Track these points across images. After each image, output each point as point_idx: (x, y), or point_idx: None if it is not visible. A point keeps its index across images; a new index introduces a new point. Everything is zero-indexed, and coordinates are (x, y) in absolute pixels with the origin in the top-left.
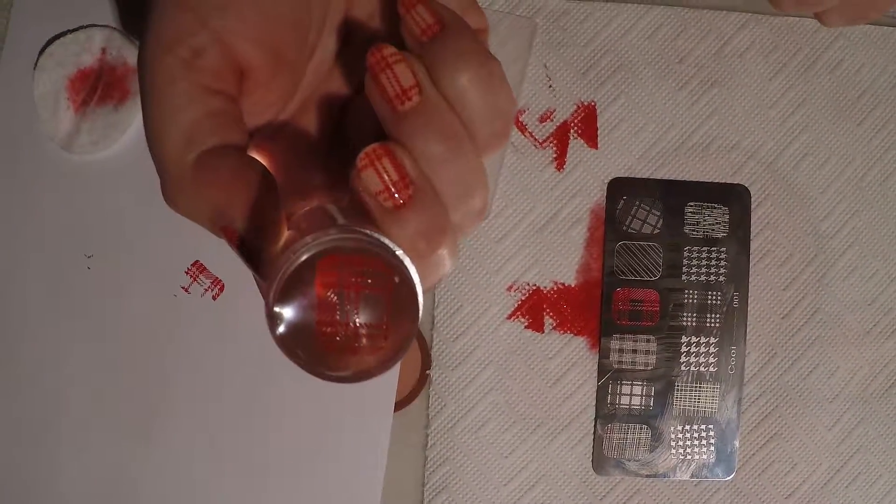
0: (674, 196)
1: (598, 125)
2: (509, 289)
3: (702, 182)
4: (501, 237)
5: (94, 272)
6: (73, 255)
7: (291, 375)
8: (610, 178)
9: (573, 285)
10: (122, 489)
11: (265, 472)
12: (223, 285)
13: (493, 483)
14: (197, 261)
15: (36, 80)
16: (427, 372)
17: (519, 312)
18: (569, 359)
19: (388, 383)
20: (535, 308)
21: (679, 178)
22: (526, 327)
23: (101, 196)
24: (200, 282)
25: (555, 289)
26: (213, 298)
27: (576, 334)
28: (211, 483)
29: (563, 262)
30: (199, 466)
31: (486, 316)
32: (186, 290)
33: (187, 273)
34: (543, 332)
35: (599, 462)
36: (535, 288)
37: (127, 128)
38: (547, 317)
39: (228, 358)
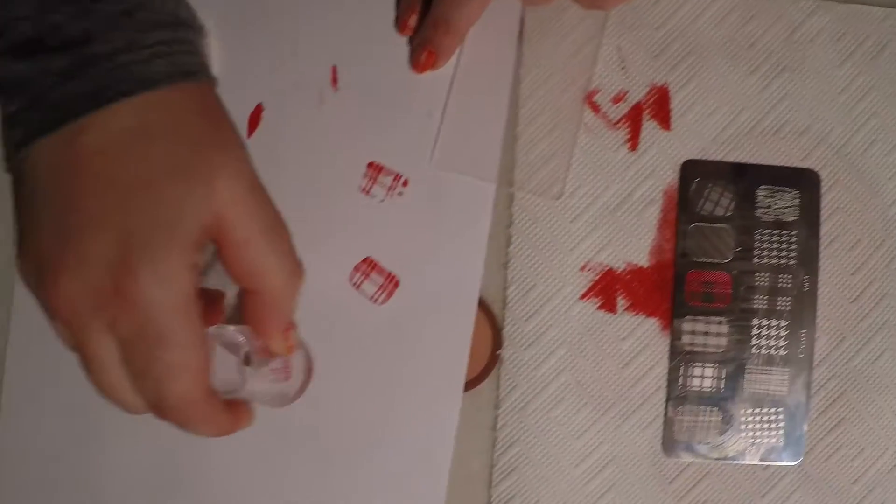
0: (745, 179)
1: (671, 107)
2: (582, 269)
3: (773, 166)
4: (575, 217)
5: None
6: None
7: (359, 354)
8: (683, 160)
9: (646, 266)
10: (180, 483)
11: (331, 452)
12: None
13: (563, 465)
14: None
15: None
16: (498, 352)
17: (592, 293)
18: (641, 340)
19: (458, 363)
20: (607, 289)
21: (750, 162)
22: (598, 308)
23: None
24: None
25: (627, 269)
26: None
27: (648, 315)
28: (275, 463)
29: (636, 243)
30: (263, 446)
31: (559, 296)
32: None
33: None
34: (616, 312)
35: (669, 444)
36: (607, 268)
37: None
38: (620, 297)
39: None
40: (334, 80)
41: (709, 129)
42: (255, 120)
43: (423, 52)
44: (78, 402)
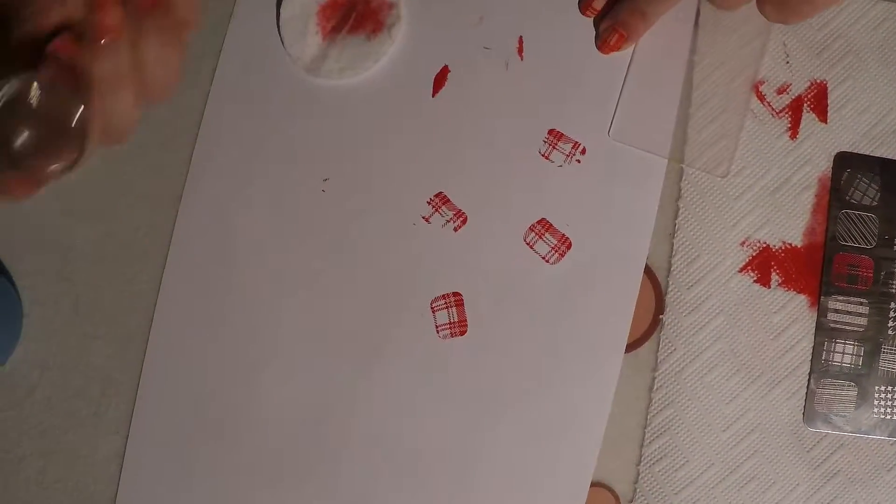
0: (891, 173)
1: (829, 102)
2: (742, 244)
3: None
4: (738, 195)
5: (328, 195)
6: (308, 177)
7: (528, 309)
8: (836, 151)
9: (799, 246)
10: (334, 418)
11: (491, 400)
12: (466, 218)
13: (713, 428)
14: (441, 192)
15: (284, 4)
16: (660, 316)
17: (749, 267)
18: (791, 315)
19: (622, 324)
20: (763, 264)
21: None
22: (754, 281)
23: (342, 121)
24: (443, 213)
25: (783, 248)
26: (455, 230)
27: (798, 292)
28: (431, 417)
29: (792, 224)
30: (419, 402)
31: (720, 268)
32: (427, 220)
33: (429, 203)
34: (770, 287)
35: (810, 415)
36: (765, 245)
37: (379, 58)
38: (774, 273)
39: (465, 290)
40: (520, 50)
41: (861, 124)
42: (440, 80)
43: (615, 35)
44: (230, 341)
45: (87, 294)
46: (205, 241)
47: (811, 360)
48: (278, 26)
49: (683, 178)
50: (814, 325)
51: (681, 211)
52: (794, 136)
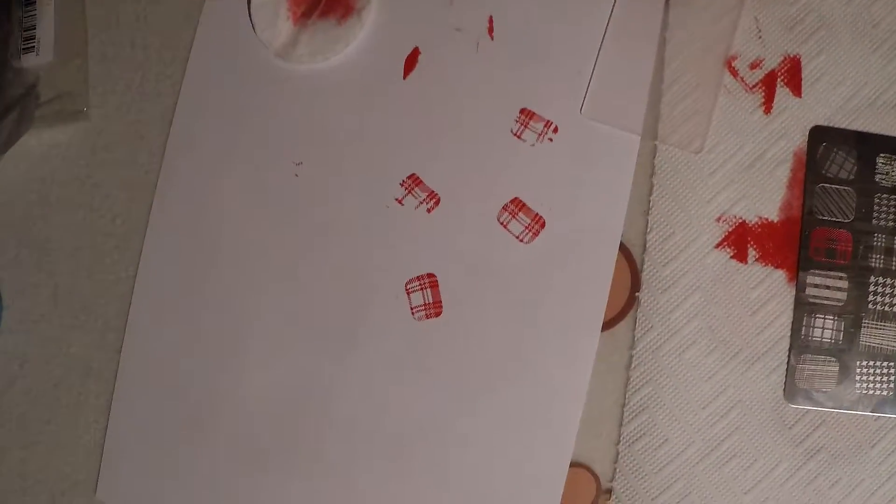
0: (867, 147)
1: (803, 76)
2: (718, 220)
3: (892, 136)
4: (713, 171)
5: (302, 179)
6: (281, 162)
7: (503, 289)
8: (811, 126)
9: (776, 221)
10: (312, 402)
11: (468, 383)
12: (439, 199)
13: (692, 406)
14: (413, 173)
15: None
16: (636, 294)
17: (725, 242)
18: (769, 290)
19: (598, 302)
20: (740, 240)
21: (872, 132)
22: (731, 257)
23: (314, 105)
24: (416, 194)
25: (759, 223)
26: (428, 212)
27: (776, 267)
28: (408, 400)
29: (768, 199)
30: (396, 385)
31: (696, 244)
32: (400, 202)
33: (402, 185)
34: (747, 262)
35: (791, 391)
36: (741, 221)
37: (350, 42)
38: (751, 248)
39: (439, 271)
40: (490, 30)
41: (836, 98)
42: (411, 62)
43: None
44: (207, 327)
45: (65, 284)
46: (180, 228)
47: (791, 336)
48: (249, 12)
49: (657, 154)
50: (793, 300)
51: (655, 187)
52: (768, 110)
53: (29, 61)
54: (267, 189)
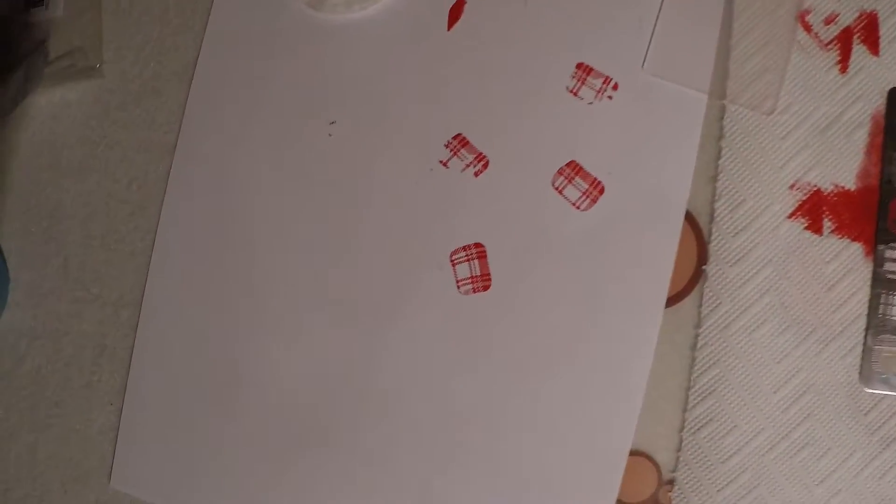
0: None
1: (880, 34)
2: (791, 187)
3: None
4: (785, 134)
5: (335, 140)
6: (313, 121)
7: (557, 261)
8: (890, 87)
9: (852, 190)
10: (348, 383)
11: (523, 362)
12: (487, 161)
13: (763, 390)
14: (459, 133)
15: None
16: (703, 267)
17: (799, 212)
18: (845, 264)
19: (661, 277)
20: (814, 209)
21: None
22: (805, 228)
23: (350, 59)
24: (462, 156)
25: (834, 191)
26: (475, 175)
27: (853, 240)
28: (453, 381)
29: (844, 166)
30: (441, 364)
31: (768, 213)
32: (445, 165)
33: (447, 146)
34: (822, 234)
35: (867, 375)
36: (816, 189)
37: None
38: (826, 219)
39: (487, 241)
40: None
41: None
42: (456, 11)
43: None
44: (232, 301)
45: (76, 255)
46: (202, 193)
47: (867, 315)
48: None
49: (725, 115)
50: (870, 275)
51: (723, 152)
52: (844, 69)
53: (38, 15)
54: (297, 151)
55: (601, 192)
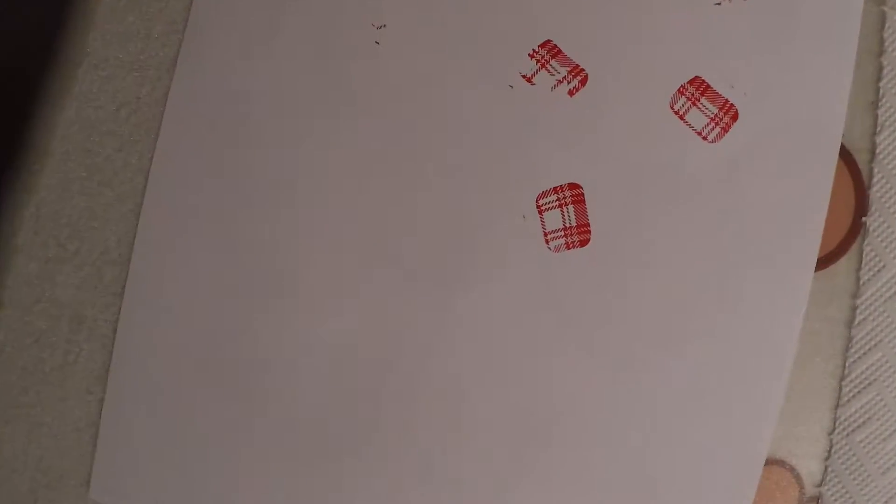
0: None
1: None
2: None
3: None
4: None
5: (384, 49)
6: (355, 25)
7: (676, 208)
8: None
9: None
10: (401, 365)
11: (623, 343)
12: (586, 76)
13: None
14: (549, 40)
15: None
16: (863, 219)
17: None
18: None
19: (809, 231)
20: None
21: None
22: None
23: None
24: (552, 69)
25: None
26: (570, 94)
27: None
28: (542, 363)
29: None
30: (526, 339)
31: None
32: (529, 81)
33: (532, 56)
34: None
35: None
36: None
37: None
38: None
39: (586, 181)
40: None
41: None
42: None
43: None
44: (246, 258)
45: (49, 203)
46: (210, 122)
47: None
48: None
49: (887, 25)
50: None
51: (885, 71)
52: None
53: None
54: (334, 65)
55: (734, 117)
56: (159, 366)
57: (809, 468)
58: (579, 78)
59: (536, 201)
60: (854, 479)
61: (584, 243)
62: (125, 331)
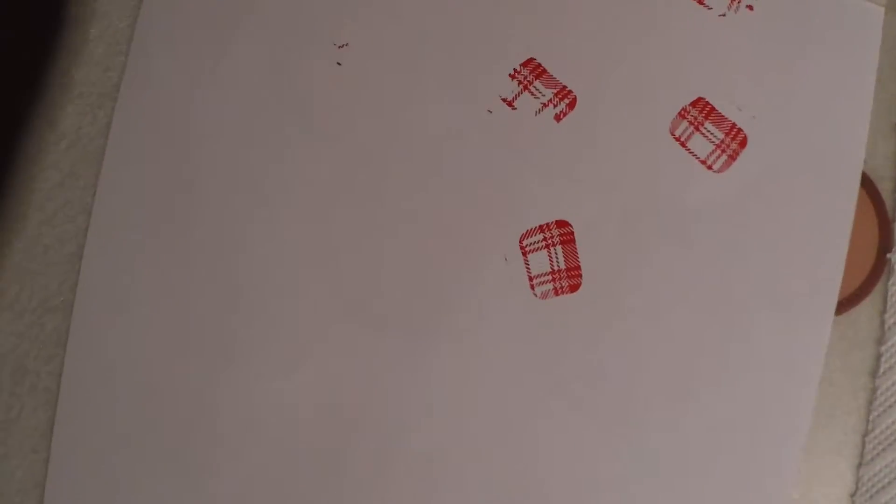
0: None
1: None
2: None
3: None
4: None
5: (347, 70)
6: (315, 43)
7: (679, 247)
8: None
9: None
10: (369, 426)
11: (617, 407)
12: (575, 99)
13: None
14: (532, 58)
15: None
16: (887, 255)
17: None
18: None
19: (828, 270)
20: None
21: None
22: None
23: None
24: (536, 91)
25: None
26: (557, 120)
27: None
28: (526, 428)
29: None
30: (510, 400)
31: None
32: (510, 105)
33: (514, 76)
34: None
35: None
36: None
37: None
38: None
39: (575, 218)
40: None
41: None
42: None
43: None
44: (201, 302)
45: None
46: (157, 154)
47: None
48: None
49: None
50: None
51: None
52: None
53: None
54: (290, 88)
55: (742, 143)
56: (106, 425)
57: None
58: (567, 101)
59: (520, 241)
60: None
61: (574, 288)
62: (69, 385)
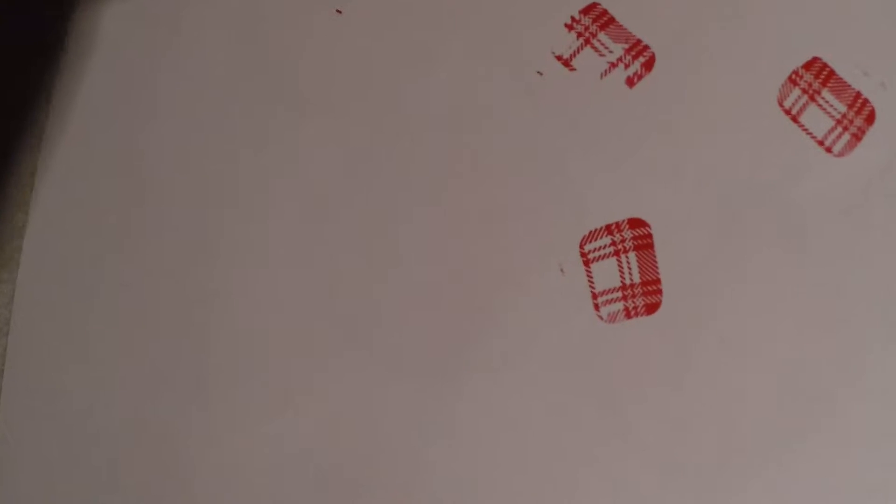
0: None
1: None
2: None
3: None
4: None
5: (346, 25)
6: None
7: (787, 252)
8: None
9: None
10: (385, 477)
11: (721, 458)
12: (653, 57)
13: None
14: (595, 3)
15: None
16: None
17: None
18: None
19: None
20: None
21: None
22: None
23: None
24: (600, 46)
25: None
26: (628, 84)
27: None
28: (590, 482)
29: None
30: (564, 443)
31: None
32: (566, 64)
33: (570, 27)
34: None
35: None
36: None
37: None
38: None
39: (653, 216)
40: None
41: None
42: None
43: None
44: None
45: None
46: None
47: None
48: None
49: None
50: None
51: None
52: None
53: None
54: (273, 50)
55: (869, 119)
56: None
57: None
58: (642, 59)
59: (580, 246)
60: None
61: (651, 309)
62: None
